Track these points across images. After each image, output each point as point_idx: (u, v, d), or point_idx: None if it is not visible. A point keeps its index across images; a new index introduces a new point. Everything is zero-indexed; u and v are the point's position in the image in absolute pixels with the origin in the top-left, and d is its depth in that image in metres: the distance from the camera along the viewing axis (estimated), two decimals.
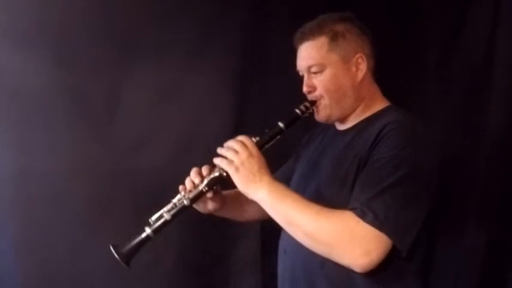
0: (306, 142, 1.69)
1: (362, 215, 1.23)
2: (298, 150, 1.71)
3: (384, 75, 2.04)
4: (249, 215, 1.65)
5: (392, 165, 1.26)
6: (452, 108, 2.08)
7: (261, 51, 2.18)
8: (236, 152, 1.35)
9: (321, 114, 1.49)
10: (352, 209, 1.25)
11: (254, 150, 1.35)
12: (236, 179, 1.35)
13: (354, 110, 1.49)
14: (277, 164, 1.74)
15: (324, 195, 1.42)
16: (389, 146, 1.30)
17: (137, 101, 2.13)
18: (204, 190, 1.42)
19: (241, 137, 1.39)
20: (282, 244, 1.53)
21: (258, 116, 2.20)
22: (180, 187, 1.47)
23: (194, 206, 1.48)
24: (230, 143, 1.38)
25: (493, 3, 1.93)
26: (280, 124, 1.45)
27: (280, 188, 1.33)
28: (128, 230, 2.08)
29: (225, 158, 1.37)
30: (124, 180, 2.11)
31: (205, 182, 1.42)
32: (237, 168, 1.34)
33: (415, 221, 1.28)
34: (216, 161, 1.40)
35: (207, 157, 2.18)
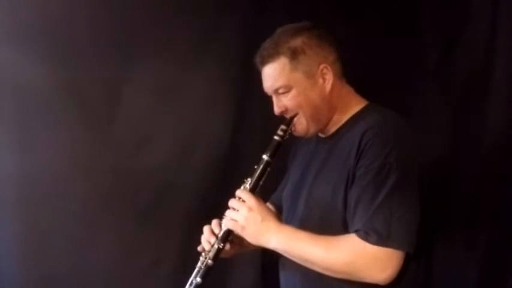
0: (294, 153, 1.70)
1: (366, 237, 1.26)
2: (288, 163, 1.72)
3: (383, 76, 2.05)
4: None
5: (381, 177, 1.28)
6: (452, 109, 2.07)
7: None
8: (236, 210, 1.40)
9: (298, 131, 1.49)
10: (356, 232, 1.28)
11: (252, 202, 1.39)
12: (246, 237, 1.41)
13: (331, 119, 1.48)
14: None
15: (314, 209, 1.44)
16: (373, 156, 1.30)
17: (137, 101, 2.13)
18: (220, 246, 1.47)
19: (238, 192, 1.43)
20: (281, 258, 1.53)
21: (258, 116, 2.21)
22: (199, 248, 1.52)
23: None
24: (230, 202, 1.43)
25: (492, 3, 1.93)
26: (265, 157, 1.45)
27: (287, 232, 1.37)
28: (128, 230, 2.11)
29: (231, 219, 1.42)
30: (124, 180, 2.11)
31: (219, 239, 1.47)
32: (243, 227, 1.39)
33: (414, 221, 1.30)
34: (224, 222, 1.46)
35: (206, 157, 2.22)
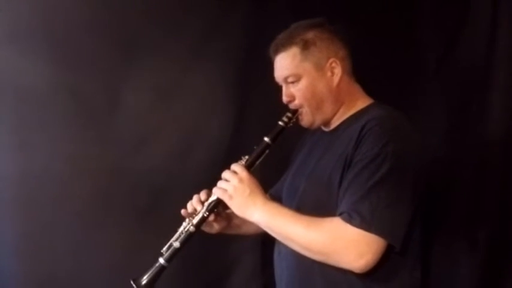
0: (299, 148, 1.73)
1: (349, 220, 1.27)
2: (292, 158, 1.74)
3: (384, 76, 2.05)
4: (256, 230, 1.64)
5: (375, 164, 1.29)
6: (452, 108, 2.08)
7: (261, 52, 2.18)
8: (228, 180, 1.43)
9: (305, 121, 1.54)
10: (341, 214, 1.29)
11: (244, 174, 1.43)
12: (232, 206, 1.43)
13: (336, 113, 1.52)
14: (273, 169, 1.76)
15: (311, 196, 1.46)
16: (370, 144, 1.32)
17: (137, 101, 2.13)
18: (205, 215, 1.50)
19: (232, 165, 1.46)
20: (277, 246, 1.56)
21: (258, 116, 2.20)
22: (183, 212, 1.54)
23: (202, 228, 1.55)
24: (223, 174, 1.46)
25: (493, 3, 1.93)
26: (266, 139, 1.51)
27: (272, 208, 1.40)
28: (128, 230, 2.11)
29: (220, 188, 1.45)
30: (124, 180, 2.11)
31: (205, 207, 1.50)
32: (230, 196, 1.42)
33: (403, 215, 1.31)
34: (213, 190, 1.48)
35: (206, 157, 2.22)
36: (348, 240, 1.27)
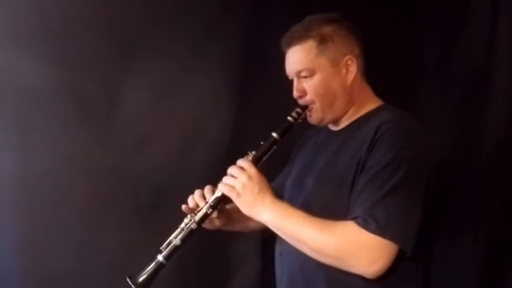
0: (300, 145, 1.70)
1: (365, 225, 1.25)
2: (293, 155, 1.72)
3: (383, 76, 2.05)
4: (255, 225, 1.63)
5: (390, 170, 1.27)
6: (452, 109, 2.08)
7: (261, 52, 2.18)
8: (235, 177, 1.37)
9: (314, 118, 1.50)
10: (355, 219, 1.27)
11: (252, 171, 1.37)
12: (239, 204, 1.37)
13: (347, 112, 1.49)
14: (275, 168, 1.74)
15: (319, 196, 1.43)
16: (385, 149, 1.30)
17: (137, 101, 2.13)
18: (208, 212, 1.45)
19: (239, 161, 1.41)
20: (278, 247, 1.54)
21: (258, 116, 2.21)
22: (184, 207, 1.49)
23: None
24: (230, 169, 1.40)
25: (493, 3, 1.93)
26: (275, 135, 1.45)
27: (282, 208, 1.35)
28: (128, 230, 2.11)
29: (227, 184, 1.39)
30: (124, 180, 2.11)
31: (209, 203, 1.45)
32: (238, 194, 1.36)
33: (416, 221, 1.29)
34: (219, 187, 1.42)
35: (206, 157, 2.22)
36: (362, 246, 1.25)
